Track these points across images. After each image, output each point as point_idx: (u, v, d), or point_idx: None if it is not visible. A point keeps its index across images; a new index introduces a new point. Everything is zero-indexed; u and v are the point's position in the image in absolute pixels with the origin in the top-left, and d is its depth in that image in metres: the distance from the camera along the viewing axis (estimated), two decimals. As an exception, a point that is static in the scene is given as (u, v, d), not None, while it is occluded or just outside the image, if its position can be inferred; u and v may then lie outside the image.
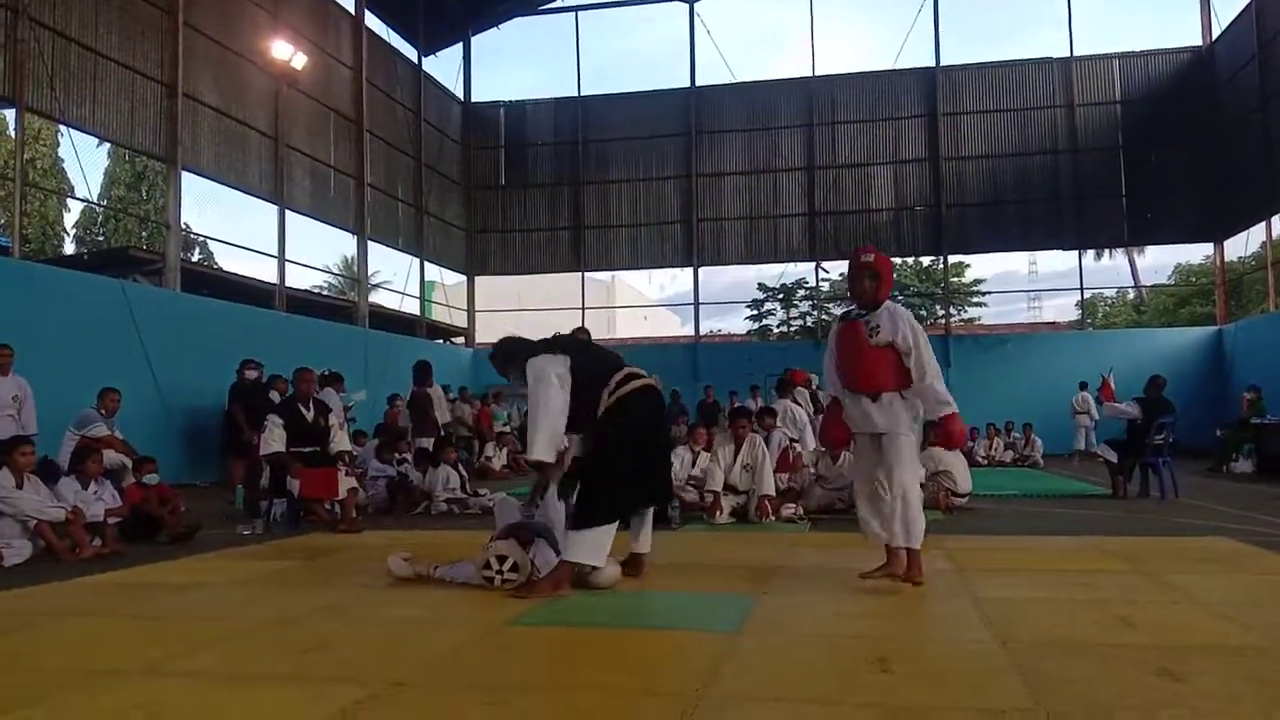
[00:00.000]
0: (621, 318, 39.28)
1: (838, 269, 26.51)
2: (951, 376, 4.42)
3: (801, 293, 27.84)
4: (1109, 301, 41.48)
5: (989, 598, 4.37)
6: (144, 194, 34.18)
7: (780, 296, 28.60)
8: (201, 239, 31.30)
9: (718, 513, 7.96)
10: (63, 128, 16.35)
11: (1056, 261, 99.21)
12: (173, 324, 13.21)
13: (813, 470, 8.80)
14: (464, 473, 10.28)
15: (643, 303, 41.79)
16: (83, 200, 34.41)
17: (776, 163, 23.59)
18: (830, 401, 5.16)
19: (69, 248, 32.04)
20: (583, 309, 24.30)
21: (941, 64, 22.90)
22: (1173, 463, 10.07)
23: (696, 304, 24.61)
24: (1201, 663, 3.18)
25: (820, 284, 26.49)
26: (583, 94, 24.64)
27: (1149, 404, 10.20)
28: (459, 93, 25.13)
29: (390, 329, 20.68)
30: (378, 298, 22.97)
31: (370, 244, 20.51)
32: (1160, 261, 77.69)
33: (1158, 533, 6.97)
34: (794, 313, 28.80)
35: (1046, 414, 18.15)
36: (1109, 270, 45.63)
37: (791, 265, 25.43)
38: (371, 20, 20.99)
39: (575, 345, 5.02)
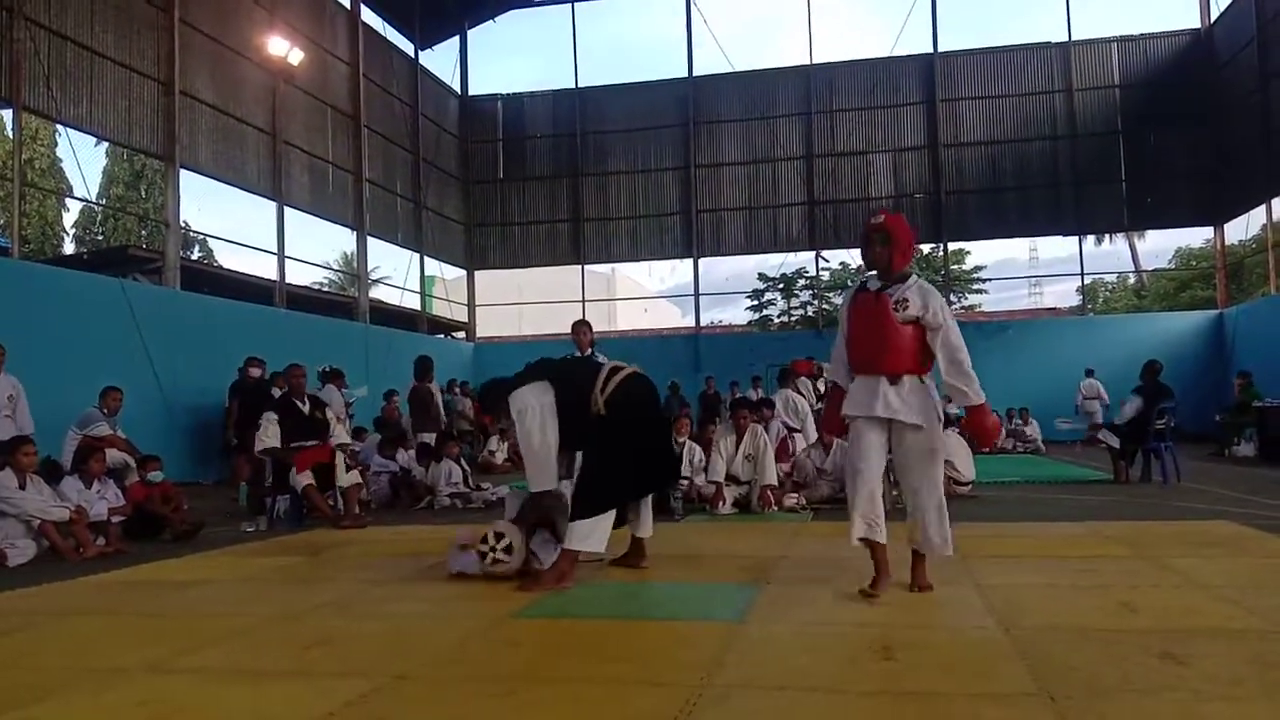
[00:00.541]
0: (622, 310, 39.27)
1: (838, 258, 26.51)
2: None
3: (802, 282, 27.85)
4: (1110, 286, 41.43)
5: (992, 584, 4.37)
6: (143, 192, 34.18)
7: (780, 286, 28.59)
8: (201, 237, 31.31)
9: (720, 503, 7.97)
10: (60, 127, 16.36)
11: (1057, 247, 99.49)
12: (173, 322, 13.20)
13: (813, 463, 8.79)
14: (466, 467, 10.30)
15: (643, 294, 41.77)
16: (81, 200, 34.52)
17: (775, 152, 23.52)
18: (831, 388, 4.60)
19: (68, 247, 32.10)
20: (583, 301, 24.26)
21: (940, 50, 22.81)
22: (1174, 447, 10.06)
23: (697, 295, 24.58)
24: (1204, 646, 3.19)
25: (820, 273, 26.46)
26: (580, 86, 24.56)
27: (1148, 390, 10.20)
28: (456, 86, 25.05)
29: (391, 324, 20.68)
30: (378, 293, 22.97)
31: (369, 239, 20.48)
32: (1161, 245, 77.43)
33: (1160, 517, 6.97)
34: (794, 302, 28.81)
35: (1049, 399, 18.12)
36: (1109, 255, 45.65)
37: (791, 255, 25.43)
38: (367, 15, 20.95)
39: (554, 365, 5.05)
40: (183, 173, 15.00)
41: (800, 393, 10.66)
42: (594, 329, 8.00)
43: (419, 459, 10.27)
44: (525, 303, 26.84)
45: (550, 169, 24.78)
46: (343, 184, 19.66)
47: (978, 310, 32.04)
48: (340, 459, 8.25)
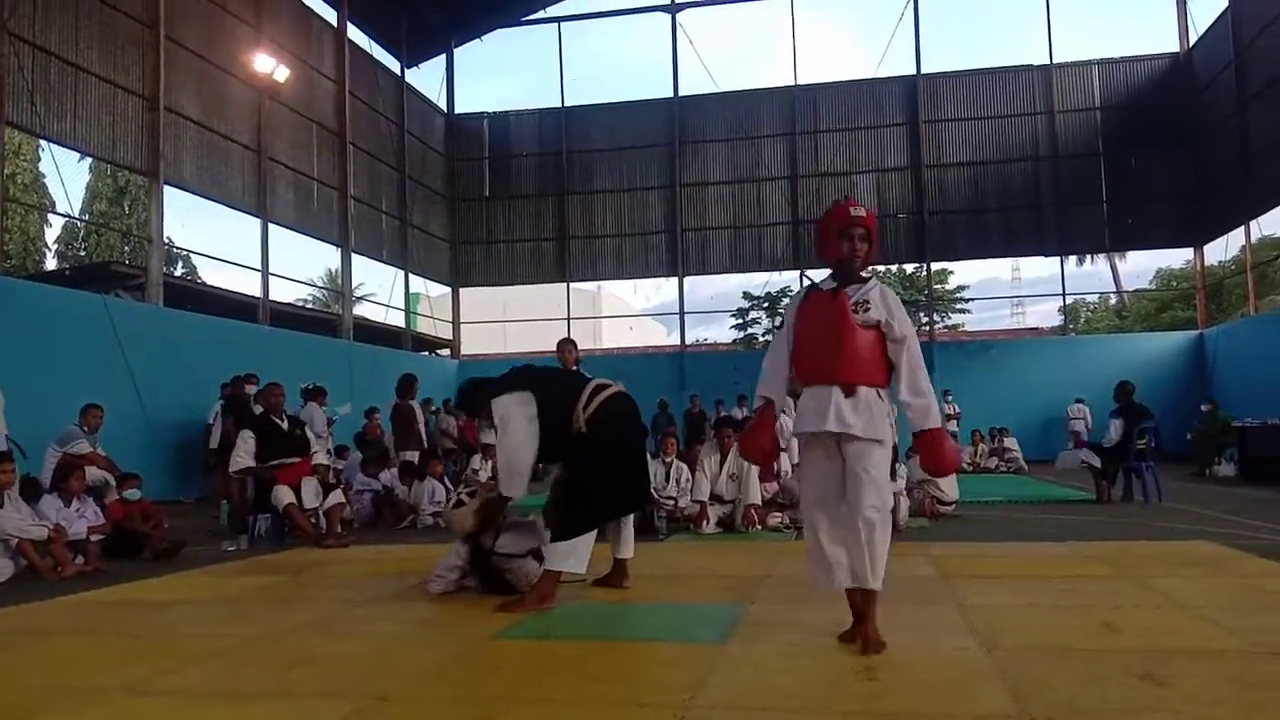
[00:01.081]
0: (607, 328, 39.34)
1: (820, 277, 26.54)
2: (936, 383, 4.09)
3: (785, 301, 27.93)
4: (1091, 307, 41.74)
5: (974, 604, 4.38)
6: (126, 208, 34.01)
7: (765, 305, 28.68)
8: (184, 253, 31.17)
9: (704, 522, 7.97)
10: (43, 142, 16.28)
11: (1039, 267, 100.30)
12: (156, 339, 13.13)
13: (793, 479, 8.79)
14: (450, 485, 10.25)
15: (628, 312, 41.83)
16: (64, 215, 34.37)
17: (760, 172, 23.66)
18: (762, 404, 3.88)
19: (50, 263, 31.85)
20: (568, 319, 24.29)
21: (923, 72, 23.03)
22: (1155, 467, 10.14)
23: (681, 313, 24.64)
24: (1185, 666, 3.21)
25: (805, 292, 26.49)
26: (566, 105, 24.67)
27: (1127, 411, 10.28)
28: (442, 104, 25.12)
29: (375, 342, 20.63)
30: (362, 310, 22.90)
31: (354, 256, 20.44)
32: (1142, 266, 78.25)
33: (1141, 537, 7.02)
34: (778, 321, 28.85)
35: (1031, 420, 18.25)
36: (1091, 275, 45.98)
37: (776, 274, 25.53)
38: (354, 33, 21.00)
39: (539, 376, 5.05)
40: (167, 189, 14.96)
41: (785, 412, 10.66)
42: (579, 347, 8.00)
43: (402, 477, 10.23)
44: (510, 320, 26.82)
45: (536, 187, 24.82)
46: (328, 201, 19.64)
47: (961, 330, 32.24)
48: (312, 482, 8.18)
